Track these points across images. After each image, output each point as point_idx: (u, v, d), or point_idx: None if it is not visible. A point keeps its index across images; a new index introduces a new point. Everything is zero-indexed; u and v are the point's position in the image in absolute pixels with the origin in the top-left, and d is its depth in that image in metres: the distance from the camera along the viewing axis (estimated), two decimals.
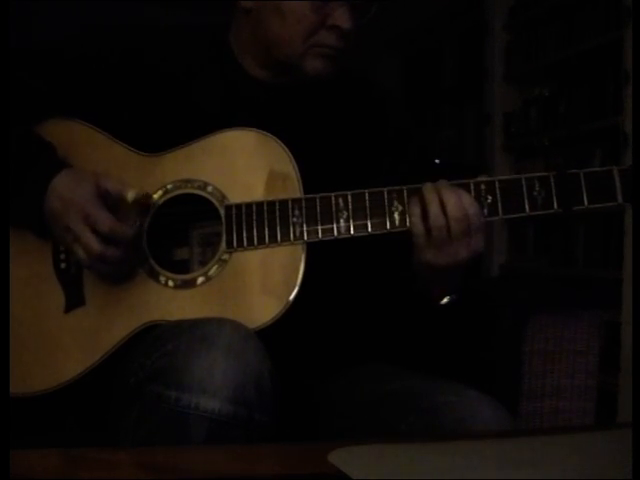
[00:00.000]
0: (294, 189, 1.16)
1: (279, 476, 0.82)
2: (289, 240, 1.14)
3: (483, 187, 1.15)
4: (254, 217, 1.15)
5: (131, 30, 1.30)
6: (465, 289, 1.24)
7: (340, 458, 0.80)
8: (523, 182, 1.15)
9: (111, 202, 1.14)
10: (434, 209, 1.12)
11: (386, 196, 1.15)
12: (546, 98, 3.70)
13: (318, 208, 1.15)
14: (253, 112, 1.25)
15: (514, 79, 3.88)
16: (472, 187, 1.15)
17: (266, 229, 1.14)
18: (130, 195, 1.13)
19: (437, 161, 4.24)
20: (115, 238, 1.12)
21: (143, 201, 1.15)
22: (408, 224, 1.14)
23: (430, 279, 1.19)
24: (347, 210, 1.15)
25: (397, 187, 1.15)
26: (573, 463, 0.82)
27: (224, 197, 1.17)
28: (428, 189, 1.14)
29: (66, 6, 3.69)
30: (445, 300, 1.23)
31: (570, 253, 3.47)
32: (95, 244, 1.12)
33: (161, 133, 1.22)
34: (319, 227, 1.14)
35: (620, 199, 1.14)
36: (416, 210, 1.14)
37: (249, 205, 1.16)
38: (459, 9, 4.41)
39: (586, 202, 1.15)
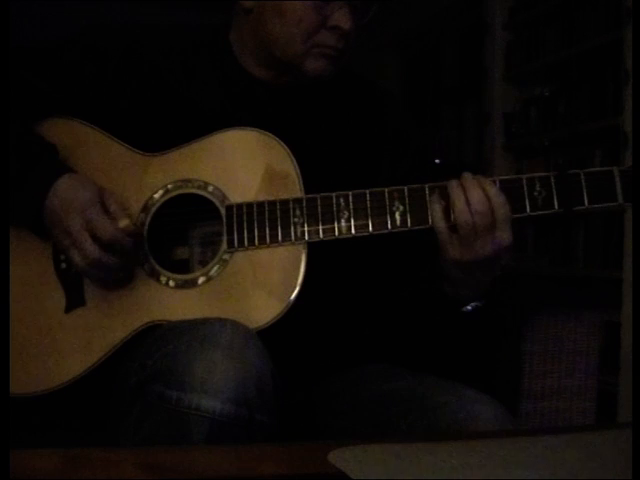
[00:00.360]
0: (295, 189, 1.16)
1: (279, 476, 0.81)
2: (290, 240, 1.14)
3: None
4: (255, 217, 1.15)
5: (132, 29, 1.30)
6: (491, 297, 1.22)
7: (340, 458, 0.80)
8: (524, 182, 1.15)
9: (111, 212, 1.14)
10: (460, 205, 1.11)
11: (387, 196, 1.15)
12: (546, 98, 3.70)
13: (319, 208, 1.15)
14: (253, 112, 1.25)
15: (514, 79, 3.88)
16: None
17: (267, 229, 1.14)
18: (122, 222, 1.13)
19: (437, 161, 4.24)
20: (114, 246, 1.12)
21: (132, 231, 1.14)
22: (409, 224, 1.14)
23: (459, 279, 1.17)
24: (348, 210, 1.15)
25: (398, 187, 1.15)
26: (573, 463, 0.82)
27: (225, 197, 1.17)
28: (453, 186, 1.13)
29: (66, 6, 3.70)
30: (468, 307, 1.22)
31: (570, 253, 3.47)
32: (93, 250, 1.12)
33: (162, 133, 1.22)
34: (320, 227, 1.14)
35: (621, 199, 1.14)
36: (437, 207, 1.12)
37: (250, 205, 1.16)
38: (459, 9, 4.42)
39: (587, 202, 1.15)
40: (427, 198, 1.14)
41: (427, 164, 1.42)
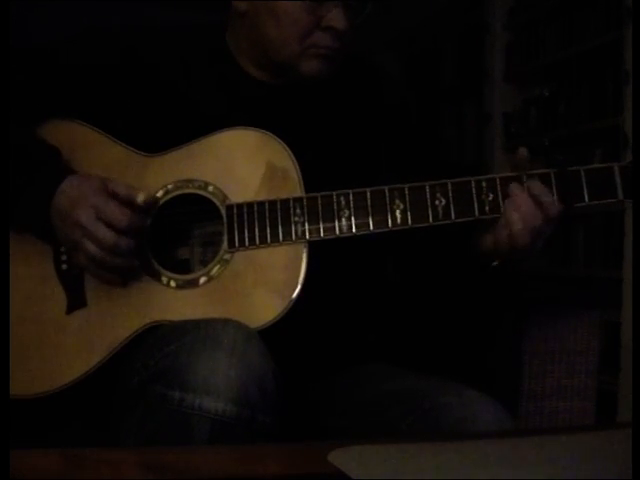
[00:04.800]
0: (295, 188, 1.16)
1: (280, 476, 0.82)
2: (291, 239, 1.14)
3: (484, 185, 1.16)
4: (255, 216, 1.15)
5: (130, 30, 1.30)
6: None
7: (340, 458, 0.80)
8: (524, 179, 1.16)
9: (119, 201, 1.14)
10: (512, 216, 1.14)
11: (387, 194, 1.15)
12: (546, 98, 3.70)
13: (319, 207, 1.15)
14: (252, 111, 1.25)
15: (514, 79, 3.88)
16: (473, 184, 1.16)
17: (268, 228, 1.14)
18: (140, 197, 1.13)
19: None
20: (131, 229, 1.12)
21: (150, 204, 1.15)
22: (410, 222, 1.14)
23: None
24: (349, 208, 1.15)
25: (398, 185, 1.16)
26: (573, 463, 0.82)
27: (225, 197, 1.17)
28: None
29: (66, 6, 3.69)
30: (495, 262, 1.23)
31: (570, 253, 3.47)
32: (109, 235, 1.11)
33: (161, 133, 1.22)
34: (321, 226, 1.15)
35: (621, 195, 1.15)
36: (514, 214, 1.15)
37: (250, 204, 1.16)
38: (459, 9, 4.41)
39: (587, 199, 1.15)
40: (427, 196, 1.15)
41: (431, 136, 1.43)
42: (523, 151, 1.17)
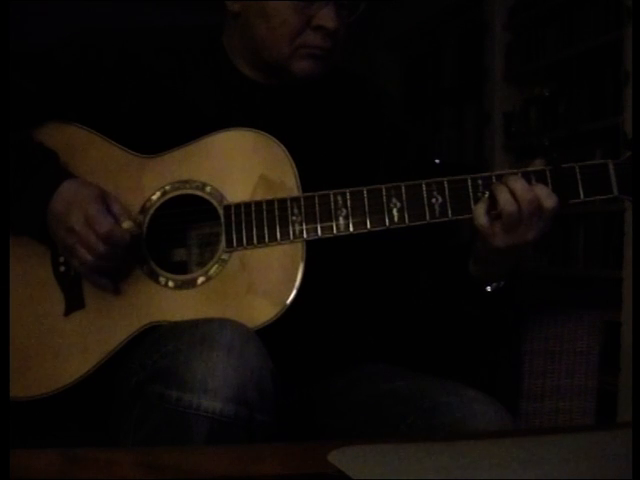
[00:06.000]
0: (292, 188, 1.16)
1: (279, 476, 0.81)
2: (289, 239, 1.14)
3: (480, 182, 1.16)
4: (253, 216, 1.15)
5: (125, 31, 1.30)
6: (512, 278, 1.23)
7: (340, 458, 0.80)
8: (520, 176, 1.16)
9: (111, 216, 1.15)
10: (504, 196, 1.12)
11: (384, 193, 1.15)
12: (546, 98, 3.70)
13: (317, 206, 1.15)
14: (249, 112, 1.25)
15: (514, 79, 3.88)
16: (469, 183, 1.16)
17: (265, 228, 1.14)
18: (125, 224, 1.14)
19: (437, 161, 4.23)
20: (113, 241, 1.12)
21: (134, 232, 1.15)
22: (407, 221, 1.14)
23: (490, 260, 1.19)
24: (346, 208, 1.15)
25: (395, 184, 1.16)
26: (573, 463, 0.82)
27: (223, 197, 1.17)
28: (495, 182, 1.14)
29: (65, 6, 3.69)
30: (488, 288, 1.22)
31: (570, 253, 3.47)
32: (99, 243, 1.12)
33: (158, 134, 1.22)
34: (318, 225, 1.15)
35: (616, 191, 1.15)
36: (480, 205, 1.14)
37: (248, 205, 1.16)
38: (459, 9, 4.41)
39: (582, 195, 1.15)
40: (424, 194, 1.15)
41: (426, 161, 1.42)
42: (540, 163, 1.17)
